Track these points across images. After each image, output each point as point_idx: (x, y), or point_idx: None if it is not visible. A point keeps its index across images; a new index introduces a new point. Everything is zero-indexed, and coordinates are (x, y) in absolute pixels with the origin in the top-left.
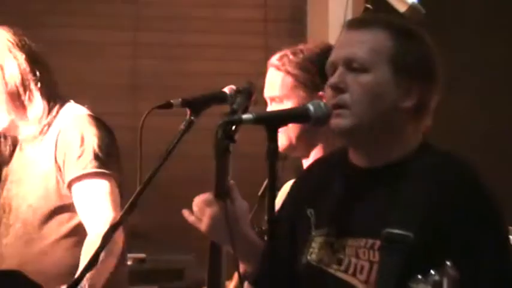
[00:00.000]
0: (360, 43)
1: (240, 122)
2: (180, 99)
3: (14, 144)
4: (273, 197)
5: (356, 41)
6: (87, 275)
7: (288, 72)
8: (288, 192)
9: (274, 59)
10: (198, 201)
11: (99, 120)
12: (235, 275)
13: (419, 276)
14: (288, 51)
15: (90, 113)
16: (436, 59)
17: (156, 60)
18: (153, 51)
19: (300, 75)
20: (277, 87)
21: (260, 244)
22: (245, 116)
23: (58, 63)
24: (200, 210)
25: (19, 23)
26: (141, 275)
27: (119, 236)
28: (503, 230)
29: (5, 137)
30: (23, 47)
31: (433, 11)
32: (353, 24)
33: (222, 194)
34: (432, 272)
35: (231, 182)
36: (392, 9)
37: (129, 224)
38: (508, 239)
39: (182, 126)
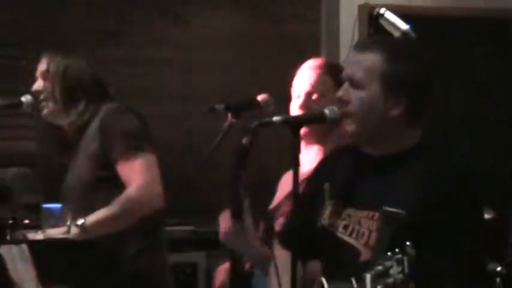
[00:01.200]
0: (359, 64)
1: (271, 124)
2: (223, 105)
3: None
4: (297, 176)
5: (357, 61)
6: (97, 218)
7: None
8: (313, 171)
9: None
10: (222, 214)
11: (132, 110)
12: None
13: (389, 254)
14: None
15: (125, 106)
16: (424, 74)
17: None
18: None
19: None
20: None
21: (262, 251)
22: (275, 118)
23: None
24: (221, 221)
25: (93, 41)
26: (192, 244)
27: (143, 198)
28: (480, 220)
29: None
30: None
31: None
32: (357, 47)
33: (236, 215)
34: (396, 250)
35: (246, 202)
36: (389, 34)
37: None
38: (483, 227)
39: (225, 127)
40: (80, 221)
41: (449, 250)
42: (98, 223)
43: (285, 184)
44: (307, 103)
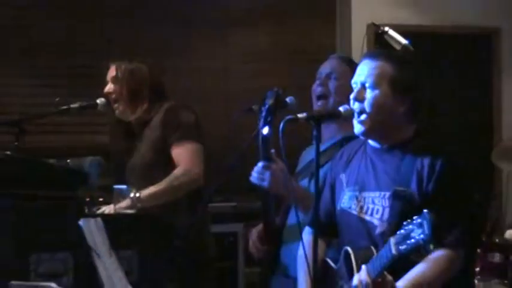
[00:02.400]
0: (371, 70)
1: (297, 119)
2: (257, 105)
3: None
4: (318, 169)
5: (369, 68)
6: (150, 192)
7: None
8: (330, 164)
9: None
10: (257, 168)
11: (189, 107)
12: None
13: (408, 220)
14: None
15: (183, 104)
16: (421, 79)
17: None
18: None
19: None
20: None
21: (307, 192)
22: (300, 115)
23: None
24: (260, 174)
25: (153, 52)
26: (233, 217)
27: (188, 178)
28: (470, 192)
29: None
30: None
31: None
32: (368, 56)
33: (269, 159)
34: (415, 217)
35: (272, 150)
36: (392, 47)
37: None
38: (472, 195)
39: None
40: (137, 194)
41: (448, 215)
42: (150, 195)
43: (303, 158)
44: (327, 89)
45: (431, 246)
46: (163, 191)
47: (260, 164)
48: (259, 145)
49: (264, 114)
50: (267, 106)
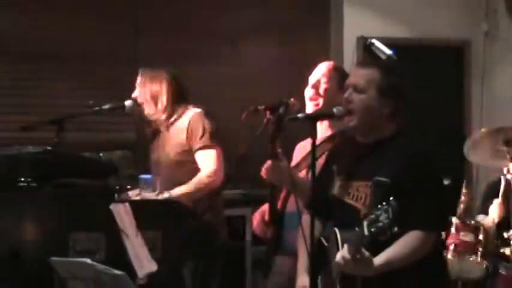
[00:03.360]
0: (361, 76)
1: (297, 119)
2: (263, 106)
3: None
4: (314, 161)
5: (359, 74)
6: (179, 192)
7: None
8: (325, 158)
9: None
10: (266, 165)
11: (209, 114)
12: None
13: (379, 206)
14: None
15: (203, 111)
16: (404, 84)
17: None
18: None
19: None
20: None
21: (306, 181)
22: (299, 115)
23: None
24: (268, 171)
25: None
26: (242, 202)
27: (211, 181)
28: (439, 184)
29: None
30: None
31: None
32: (358, 64)
33: (276, 158)
34: (383, 203)
35: (279, 150)
36: (378, 57)
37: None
38: (442, 185)
39: (264, 121)
40: (168, 193)
41: (419, 201)
42: (179, 195)
43: (298, 151)
44: (318, 92)
45: (396, 229)
46: (191, 192)
47: (269, 162)
48: (269, 145)
49: (275, 120)
50: (279, 113)
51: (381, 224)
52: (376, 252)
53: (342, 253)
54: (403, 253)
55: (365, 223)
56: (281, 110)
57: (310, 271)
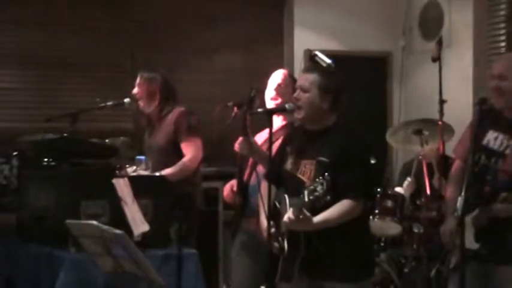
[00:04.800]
0: (305, 79)
1: (257, 113)
2: (232, 102)
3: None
4: (271, 144)
5: (304, 78)
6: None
7: None
8: (281, 141)
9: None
10: (238, 141)
11: (191, 111)
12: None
13: (317, 179)
14: None
15: (186, 109)
16: (340, 85)
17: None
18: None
19: None
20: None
21: (266, 153)
22: (259, 110)
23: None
24: (240, 145)
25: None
26: (216, 177)
27: (192, 164)
28: (367, 162)
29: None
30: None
31: None
32: (304, 70)
33: (246, 135)
34: (320, 177)
35: (248, 130)
36: (320, 65)
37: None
38: (370, 163)
39: (232, 114)
40: (158, 173)
41: (350, 176)
42: (167, 175)
43: (259, 137)
44: (278, 93)
45: (328, 198)
46: (177, 173)
47: (240, 138)
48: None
49: (246, 106)
50: (250, 98)
51: (317, 193)
52: (314, 214)
53: (288, 214)
54: (335, 215)
55: (306, 192)
56: (246, 108)
57: (267, 225)
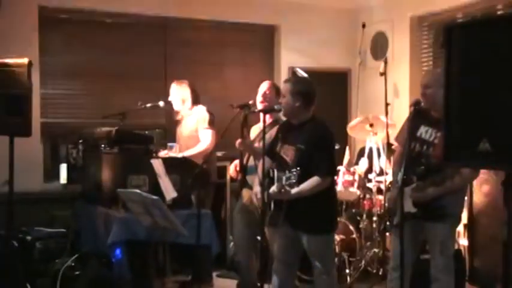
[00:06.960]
0: (283, 88)
1: (254, 111)
2: (236, 104)
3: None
4: (264, 135)
5: (283, 87)
6: (189, 154)
7: None
8: (275, 132)
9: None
10: (238, 141)
11: (208, 110)
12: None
13: (293, 170)
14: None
15: (205, 107)
16: (310, 88)
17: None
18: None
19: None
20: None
21: (259, 149)
22: (256, 109)
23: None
24: (239, 144)
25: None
26: (224, 158)
27: (207, 148)
28: (331, 148)
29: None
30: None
31: None
32: (285, 81)
33: (244, 138)
34: (294, 169)
35: (245, 133)
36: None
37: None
38: (334, 151)
39: (236, 113)
40: (182, 154)
41: (319, 158)
42: (190, 156)
43: (253, 130)
44: (265, 98)
45: (297, 185)
46: (196, 154)
47: (239, 140)
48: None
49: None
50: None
51: (291, 181)
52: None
53: (273, 188)
54: (307, 188)
55: (284, 178)
56: (245, 109)
57: (261, 192)
